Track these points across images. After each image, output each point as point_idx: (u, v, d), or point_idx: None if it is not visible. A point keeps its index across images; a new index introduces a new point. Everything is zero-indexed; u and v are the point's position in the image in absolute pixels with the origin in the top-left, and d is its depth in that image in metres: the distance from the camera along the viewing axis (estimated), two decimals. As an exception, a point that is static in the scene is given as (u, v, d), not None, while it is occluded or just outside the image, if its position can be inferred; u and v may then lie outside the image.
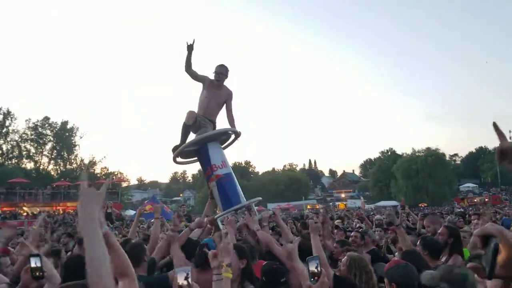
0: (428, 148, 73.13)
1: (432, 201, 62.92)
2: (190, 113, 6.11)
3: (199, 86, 6.40)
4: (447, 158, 78.88)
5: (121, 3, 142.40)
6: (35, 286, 3.44)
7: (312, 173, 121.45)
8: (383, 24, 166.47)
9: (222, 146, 6.59)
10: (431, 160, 69.99)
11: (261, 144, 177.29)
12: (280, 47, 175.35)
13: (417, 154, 73.84)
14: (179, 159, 6.54)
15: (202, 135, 5.99)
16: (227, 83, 6.34)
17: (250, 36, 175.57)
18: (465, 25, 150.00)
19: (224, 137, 6.68)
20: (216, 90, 6.22)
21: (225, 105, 6.42)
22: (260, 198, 6.56)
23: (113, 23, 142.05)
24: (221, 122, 6.54)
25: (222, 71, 6.15)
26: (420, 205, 57.91)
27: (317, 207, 69.63)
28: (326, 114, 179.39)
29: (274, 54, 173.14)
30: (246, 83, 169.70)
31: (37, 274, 3.24)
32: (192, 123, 6.12)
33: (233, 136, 6.67)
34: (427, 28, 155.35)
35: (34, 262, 3.25)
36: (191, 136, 6.31)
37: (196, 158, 6.57)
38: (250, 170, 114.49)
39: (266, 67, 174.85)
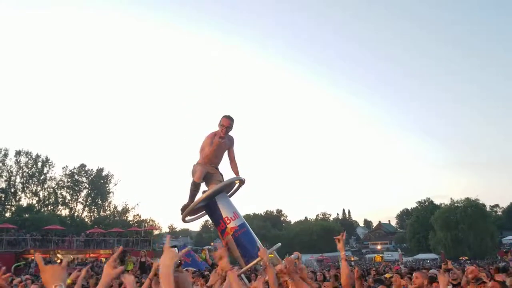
0: (467, 199, 70.84)
1: (473, 254, 60.20)
2: (199, 170, 6.02)
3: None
4: (488, 209, 76.05)
5: (159, 51, 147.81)
6: None
7: (346, 223, 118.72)
8: (405, 70, 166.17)
9: (228, 195, 6.41)
10: (471, 211, 67.61)
11: (293, 193, 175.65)
12: (312, 96, 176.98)
13: (455, 204, 71.62)
14: (188, 218, 6.37)
15: (210, 192, 5.85)
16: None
17: (281, 83, 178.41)
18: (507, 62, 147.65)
19: (229, 187, 6.51)
20: (221, 140, 6.09)
21: (227, 151, 6.35)
22: (280, 244, 6.23)
23: (147, 73, 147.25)
24: (224, 168, 6.48)
25: (229, 125, 6.05)
26: (461, 258, 55.48)
27: (352, 259, 67.80)
28: (360, 163, 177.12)
29: (308, 102, 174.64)
30: (278, 131, 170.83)
31: None
32: (200, 183, 6.05)
33: (237, 184, 6.51)
34: (460, 67, 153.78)
35: None
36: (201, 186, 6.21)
37: (204, 212, 6.41)
38: (282, 219, 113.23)
39: (299, 115, 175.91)
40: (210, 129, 6.24)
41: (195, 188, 6.09)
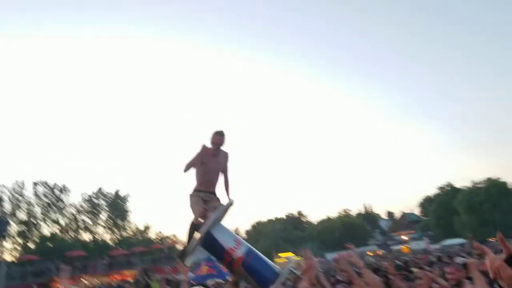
0: (488, 179, 69.77)
1: (502, 234, 58.87)
2: (196, 209, 5.45)
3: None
4: (510, 186, 74.91)
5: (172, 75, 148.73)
6: None
7: (368, 217, 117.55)
8: (425, 56, 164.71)
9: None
10: (493, 191, 66.60)
11: (312, 193, 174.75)
12: (322, 93, 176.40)
13: (477, 185, 70.56)
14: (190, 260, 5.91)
15: (203, 231, 5.22)
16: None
17: (291, 80, 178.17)
18: None
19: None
20: (213, 158, 5.60)
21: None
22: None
23: (156, 89, 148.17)
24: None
25: (220, 142, 5.56)
26: (489, 239, 54.47)
27: (379, 252, 66.91)
28: (377, 155, 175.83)
29: (324, 98, 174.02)
30: (293, 133, 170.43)
31: None
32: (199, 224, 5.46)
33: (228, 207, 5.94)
34: (470, 44, 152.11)
35: None
36: None
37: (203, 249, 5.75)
38: (304, 220, 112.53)
39: (314, 112, 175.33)
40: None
41: (193, 230, 5.53)
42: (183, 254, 5.50)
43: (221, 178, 5.77)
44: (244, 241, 5.49)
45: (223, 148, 5.65)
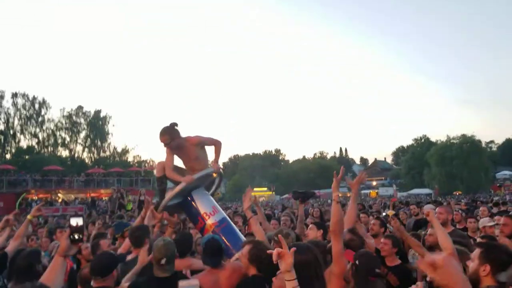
0: (463, 135, 71.21)
1: (467, 189, 61.36)
2: (166, 162, 5.40)
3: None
4: (483, 145, 76.64)
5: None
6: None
7: (343, 161, 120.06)
8: (409, 11, 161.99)
9: (210, 193, 5.92)
10: (466, 147, 68.33)
11: (291, 132, 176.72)
12: (308, 35, 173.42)
13: (451, 141, 72.14)
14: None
15: (181, 187, 5.19)
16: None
17: (273, 25, 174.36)
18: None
19: (208, 182, 5.94)
20: (178, 151, 5.43)
21: (199, 149, 5.53)
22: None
23: (142, 15, 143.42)
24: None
25: (162, 142, 5.24)
26: (454, 193, 56.64)
27: (348, 195, 69.05)
28: (356, 101, 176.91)
29: (301, 41, 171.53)
30: (274, 71, 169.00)
31: (77, 237, 2.86)
32: (163, 175, 5.46)
33: (216, 177, 5.94)
34: (457, 12, 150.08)
35: (75, 222, 2.88)
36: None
37: (181, 209, 5.81)
38: (281, 158, 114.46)
39: (293, 55, 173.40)
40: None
41: (160, 183, 5.57)
42: (156, 207, 5.40)
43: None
44: (223, 212, 5.55)
45: (177, 141, 5.31)
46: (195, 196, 5.44)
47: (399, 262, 4.82)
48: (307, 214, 9.20)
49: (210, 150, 5.70)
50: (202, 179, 5.54)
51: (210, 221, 5.25)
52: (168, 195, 5.33)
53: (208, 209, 5.35)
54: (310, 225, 5.26)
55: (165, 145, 5.24)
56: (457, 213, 7.98)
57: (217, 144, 5.63)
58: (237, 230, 5.53)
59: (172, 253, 3.59)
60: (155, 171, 5.80)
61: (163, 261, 3.50)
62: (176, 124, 5.30)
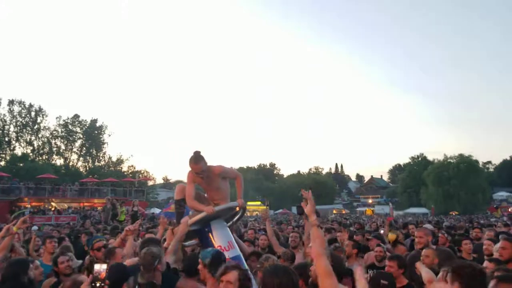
0: (460, 155, 71.33)
1: (464, 210, 61.20)
2: (178, 187, 5.39)
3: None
4: (480, 165, 76.71)
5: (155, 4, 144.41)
6: None
7: (338, 177, 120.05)
8: (405, 29, 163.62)
9: (228, 224, 5.66)
10: (463, 167, 68.27)
11: (286, 147, 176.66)
12: (304, 52, 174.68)
13: (449, 160, 72.16)
14: (188, 242, 5.61)
15: (201, 217, 5.01)
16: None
17: (273, 40, 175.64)
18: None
19: (229, 215, 5.77)
20: (202, 180, 5.33)
21: (221, 180, 5.43)
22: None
23: (139, 24, 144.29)
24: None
25: (196, 170, 5.12)
26: (451, 213, 56.43)
27: (343, 212, 68.86)
28: (353, 118, 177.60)
29: (297, 57, 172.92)
30: (270, 85, 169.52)
31: (98, 285, 2.62)
32: (182, 199, 5.35)
33: (240, 211, 5.78)
34: (455, 25, 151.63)
35: (99, 269, 2.66)
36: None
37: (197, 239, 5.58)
38: (275, 172, 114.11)
39: (290, 70, 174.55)
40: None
41: (179, 206, 5.48)
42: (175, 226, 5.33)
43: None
44: (237, 248, 5.27)
45: (205, 169, 5.20)
46: (213, 227, 5.19)
47: (406, 282, 4.87)
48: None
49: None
50: (224, 211, 5.35)
51: None
52: (188, 219, 5.07)
53: (224, 243, 5.07)
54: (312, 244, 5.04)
55: (198, 173, 5.14)
56: (442, 236, 8.15)
57: (239, 178, 5.65)
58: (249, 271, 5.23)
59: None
60: (174, 193, 5.52)
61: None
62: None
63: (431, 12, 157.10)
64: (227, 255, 4.85)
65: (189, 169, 5.20)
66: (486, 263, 4.85)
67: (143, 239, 5.39)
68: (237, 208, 5.65)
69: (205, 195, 5.61)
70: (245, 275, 3.25)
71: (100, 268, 2.68)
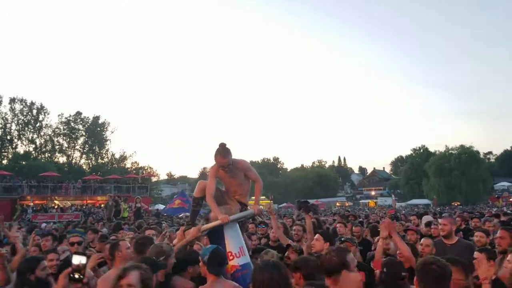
0: (461, 146, 71.32)
1: (465, 200, 61.22)
2: (209, 184, 5.11)
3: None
4: (481, 156, 76.67)
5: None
6: None
7: (341, 170, 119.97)
8: (407, 22, 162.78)
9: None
10: (465, 158, 68.23)
11: (290, 140, 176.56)
12: (310, 45, 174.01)
13: (450, 151, 72.16)
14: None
15: (217, 222, 4.91)
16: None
17: (276, 34, 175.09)
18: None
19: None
20: (225, 174, 5.16)
21: (243, 175, 5.28)
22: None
23: (141, 21, 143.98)
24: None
25: (223, 164, 4.94)
26: (453, 203, 56.47)
27: (347, 204, 68.93)
28: (355, 111, 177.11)
29: (301, 51, 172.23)
30: (273, 79, 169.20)
31: (77, 276, 2.75)
32: (201, 197, 5.23)
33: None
34: (462, 15, 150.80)
35: (77, 260, 2.77)
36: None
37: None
38: (279, 166, 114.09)
39: (292, 65, 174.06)
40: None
41: (196, 204, 5.40)
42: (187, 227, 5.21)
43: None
44: (248, 255, 5.07)
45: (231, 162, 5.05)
46: (225, 230, 4.96)
47: None
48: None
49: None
50: (239, 219, 5.23)
51: (232, 263, 4.76)
52: (200, 227, 5.03)
53: (235, 249, 4.86)
54: (317, 235, 5.07)
55: (225, 167, 4.95)
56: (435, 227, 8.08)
57: (259, 183, 5.38)
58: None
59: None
60: (195, 190, 5.35)
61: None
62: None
63: (429, 5, 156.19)
64: (237, 262, 4.75)
65: (211, 163, 5.05)
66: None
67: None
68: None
69: (223, 188, 5.44)
70: (148, 275, 2.94)
71: (79, 259, 2.77)
